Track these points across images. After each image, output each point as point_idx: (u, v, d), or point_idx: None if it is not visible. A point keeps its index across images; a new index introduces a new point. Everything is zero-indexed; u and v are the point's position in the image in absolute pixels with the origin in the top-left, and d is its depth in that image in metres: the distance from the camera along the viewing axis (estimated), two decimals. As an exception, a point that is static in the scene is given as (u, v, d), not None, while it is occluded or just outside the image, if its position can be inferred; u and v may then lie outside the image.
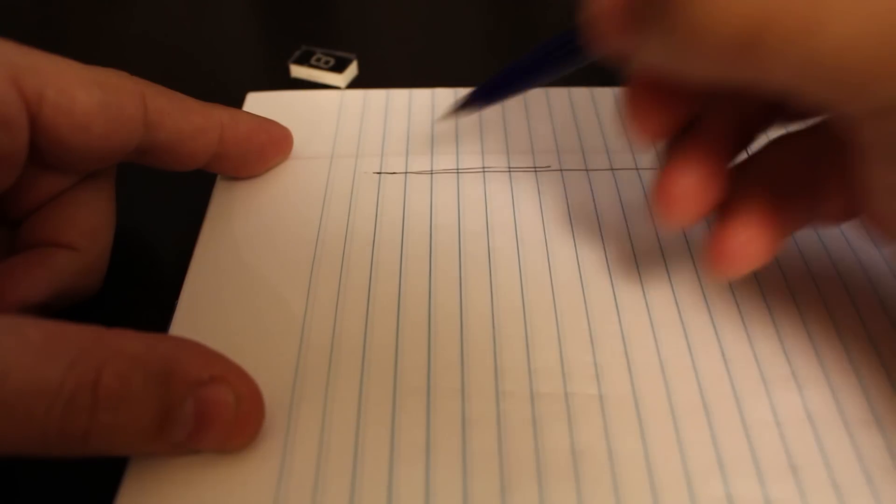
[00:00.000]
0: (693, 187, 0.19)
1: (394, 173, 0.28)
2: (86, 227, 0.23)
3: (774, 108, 0.20)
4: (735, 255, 0.19)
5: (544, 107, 0.31)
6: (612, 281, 0.24)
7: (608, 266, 0.24)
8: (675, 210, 0.19)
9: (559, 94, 0.31)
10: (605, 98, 0.31)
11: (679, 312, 0.23)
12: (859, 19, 0.13)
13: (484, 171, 0.28)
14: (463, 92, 0.31)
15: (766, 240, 0.19)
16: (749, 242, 0.19)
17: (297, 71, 0.34)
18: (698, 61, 0.15)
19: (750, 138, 0.20)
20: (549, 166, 0.28)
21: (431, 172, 0.28)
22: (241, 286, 0.23)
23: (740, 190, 0.20)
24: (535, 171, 0.28)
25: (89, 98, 0.21)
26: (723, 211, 0.20)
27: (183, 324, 0.22)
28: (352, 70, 0.34)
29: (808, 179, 0.19)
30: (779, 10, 0.13)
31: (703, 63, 0.15)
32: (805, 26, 0.13)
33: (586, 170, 0.28)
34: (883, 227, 0.16)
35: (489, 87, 0.25)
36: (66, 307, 0.23)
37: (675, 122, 0.19)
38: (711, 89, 0.17)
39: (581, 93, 0.31)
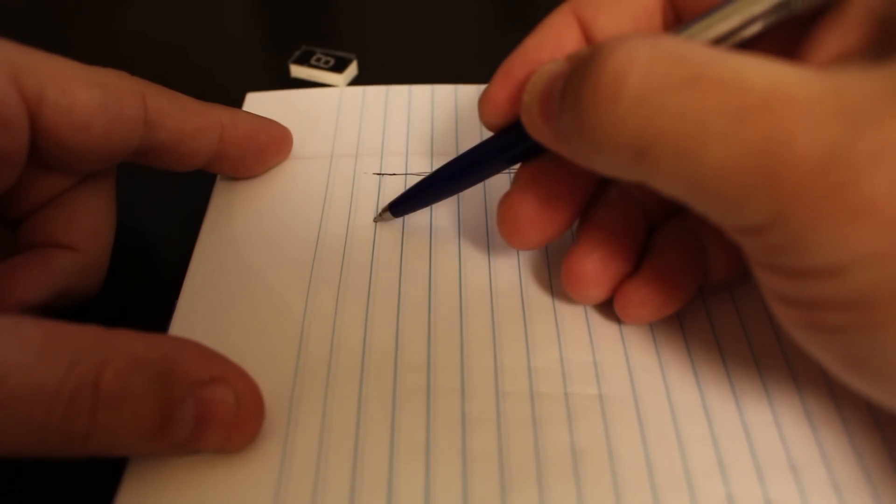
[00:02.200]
0: (593, 270, 0.21)
1: (394, 174, 0.27)
2: (86, 228, 0.23)
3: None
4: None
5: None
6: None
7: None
8: (580, 290, 0.22)
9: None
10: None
11: (678, 313, 0.23)
12: (733, 148, 0.14)
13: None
14: (463, 91, 0.31)
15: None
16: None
17: (297, 71, 0.34)
18: (601, 160, 0.17)
19: (658, 219, 0.23)
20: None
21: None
22: (240, 286, 0.23)
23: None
24: (535, 171, 0.28)
25: (89, 98, 0.21)
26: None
27: (183, 324, 0.22)
28: (352, 70, 0.34)
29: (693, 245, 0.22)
30: (665, 130, 0.15)
31: (605, 162, 0.17)
32: (687, 147, 0.15)
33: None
34: (775, 312, 0.17)
35: (410, 195, 0.24)
36: (66, 307, 0.23)
37: (551, 236, 0.22)
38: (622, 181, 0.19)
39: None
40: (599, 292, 0.22)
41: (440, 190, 0.24)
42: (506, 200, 0.22)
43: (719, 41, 0.18)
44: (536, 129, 0.19)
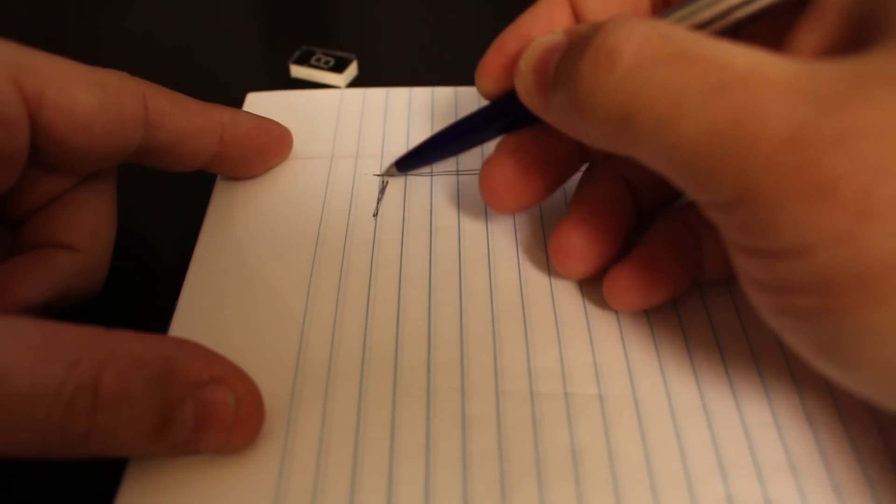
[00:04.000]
0: (578, 244, 0.22)
1: (393, 175, 0.28)
2: (87, 228, 0.23)
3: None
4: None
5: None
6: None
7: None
8: (566, 261, 0.22)
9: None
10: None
11: (678, 313, 0.23)
12: (706, 121, 0.15)
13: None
14: (463, 91, 0.31)
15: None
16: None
17: (297, 71, 0.34)
18: (589, 130, 0.18)
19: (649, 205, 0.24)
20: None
21: (431, 174, 0.28)
22: (240, 286, 0.23)
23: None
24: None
25: (90, 98, 0.21)
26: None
27: (183, 324, 0.22)
28: (352, 70, 0.34)
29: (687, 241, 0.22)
30: (648, 101, 0.16)
31: (593, 131, 0.18)
32: (665, 118, 0.16)
33: (586, 170, 0.28)
34: (751, 299, 0.17)
35: (414, 154, 0.26)
36: (67, 308, 0.23)
37: (530, 199, 0.23)
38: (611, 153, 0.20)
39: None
40: (583, 266, 0.22)
41: (439, 151, 0.26)
42: (488, 164, 0.23)
43: (703, 27, 0.19)
44: (529, 96, 0.20)
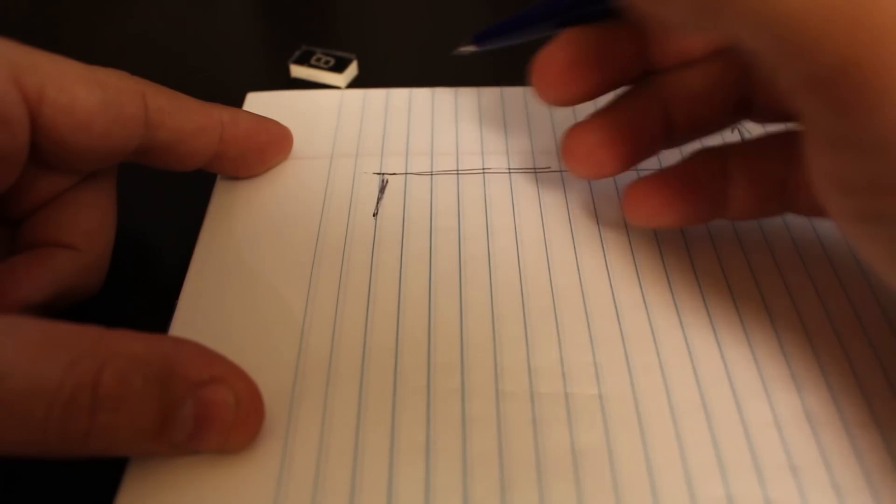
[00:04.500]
0: (596, 143, 0.22)
1: (394, 174, 0.28)
2: (87, 228, 0.23)
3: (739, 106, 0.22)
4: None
5: (544, 107, 0.31)
6: (611, 281, 0.24)
7: (607, 267, 0.24)
8: (575, 161, 0.22)
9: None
10: (605, 99, 0.31)
11: (678, 313, 0.23)
12: None
13: (484, 173, 0.28)
14: (463, 92, 0.31)
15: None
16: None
17: (297, 71, 0.34)
18: (676, 5, 0.16)
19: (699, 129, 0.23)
20: (549, 167, 0.28)
21: (431, 174, 0.28)
22: (241, 286, 0.23)
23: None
24: (535, 173, 0.28)
25: (90, 97, 0.21)
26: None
27: (183, 324, 0.22)
28: (352, 70, 0.34)
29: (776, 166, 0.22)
30: None
31: (680, 7, 0.16)
32: None
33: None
34: (830, 216, 0.16)
35: (492, 31, 0.25)
36: (66, 307, 0.23)
37: (579, 92, 0.22)
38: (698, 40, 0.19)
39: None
40: (593, 166, 0.22)
41: (519, 29, 0.25)
42: (544, 51, 0.22)
43: None
44: None
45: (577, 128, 0.23)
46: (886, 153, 0.14)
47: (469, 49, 0.26)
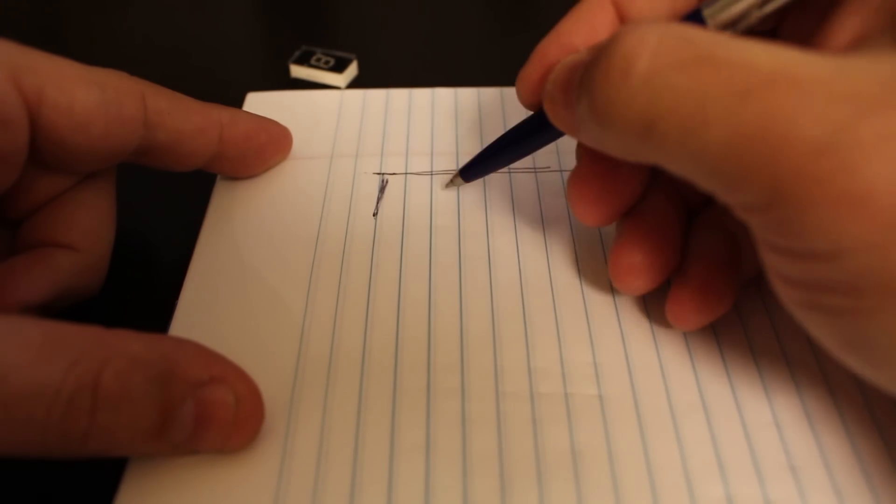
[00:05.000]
0: (641, 262, 0.21)
1: (394, 174, 0.28)
2: (86, 228, 0.23)
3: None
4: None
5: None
6: (611, 281, 0.24)
7: (607, 267, 0.24)
8: (628, 282, 0.22)
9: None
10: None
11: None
12: (734, 126, 0.15)
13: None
14: (462, 92, 0.31)
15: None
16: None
17: (297, 71, 0.34)
18: (613, 141, 0.17)
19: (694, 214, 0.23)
20: (548, 167, 0.28)
21: (431, 174, 0.28)
22: (240, 286, 0.23)
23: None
24: (535, 172, 0.28)
25: (89, 98, 0.21)
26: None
27: (183, 324, 0.22)
28: (352, 70, 0.34)
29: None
30: (670, 108, 0.15)
31: (617, 142, 0.17)
32: (690, 125, 0.15)
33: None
34: (778, 293, 0.17)
35: (473, 164, 0.26)
36: (66, 307, 0.23)
37: (616, 210, 0.22)
38: (648, 169, 0.20)
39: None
40: (646, 283, 0.22)
41: (498, 160, 0.25)
42: (573, 178, 0.22)
43: (750, 10, 0.18)
44: (558, 116, 0.20)
45: (622, 247, 0.22)
46: (819, 261, 0.15)
47: (459, 182, 0.26)
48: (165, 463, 0.19)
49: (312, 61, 0.34)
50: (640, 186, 0.22)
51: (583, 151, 0.22)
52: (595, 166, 0.21)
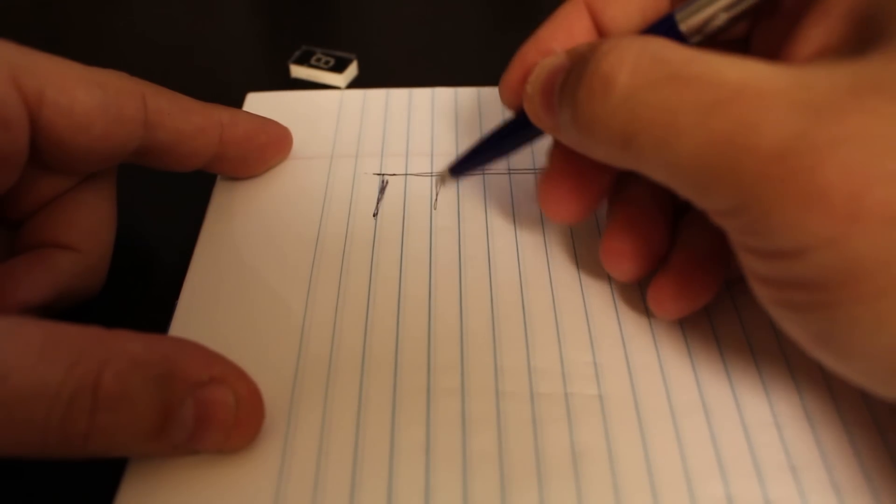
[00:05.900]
0: (630, 247, 0.22)
1: (394, 175, 0.28)
2: (87, 228, 0.23)
3: None
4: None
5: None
6: (611, 281, 0.24)
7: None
8: (618, 265, 0.22)
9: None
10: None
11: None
12: (702, 137, 0.16)
13: (484, 173, 0.28)
14: (462, 92, 0.31)
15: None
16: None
17: (297, 71, 0.34)
18: (595, 149, 0.19)
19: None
20: (548, 166, 0.28)
21: (431, 174, 0.28)
22: (240, 286, 0.23)
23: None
24: (535, 173, 0.28)
25: (89, 98, 0.21)
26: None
27: (183, 324, 0.22)
28: (352, 70, 0.34)
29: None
30: (647, 123, 0.17)
31: (599, 150, 0.19)
32: (663, 138, 0.16)
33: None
34: (754, 292, 0.18)
35: (459, 163, 0.27)
36: (66, 308, 0.23)
37: (585, 209, 0.23)
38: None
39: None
40: (634, 267, 0.22)
41: (489, 154, 0.26)
42: (544, 178, 0.23)
43: (721, 11, 0.19)
44: (538, 117, 0.21)
45: (613, 232, 0.22)
46: (786, 259, 0.16)
47: (448, 178, 0.27)
48: (165, 463, 0.19)
49: (312, 61, 0.34)
50: (606, 189, 0.23)
51: (553, 154, 0.23)
52: (565, 168, 0.22)
